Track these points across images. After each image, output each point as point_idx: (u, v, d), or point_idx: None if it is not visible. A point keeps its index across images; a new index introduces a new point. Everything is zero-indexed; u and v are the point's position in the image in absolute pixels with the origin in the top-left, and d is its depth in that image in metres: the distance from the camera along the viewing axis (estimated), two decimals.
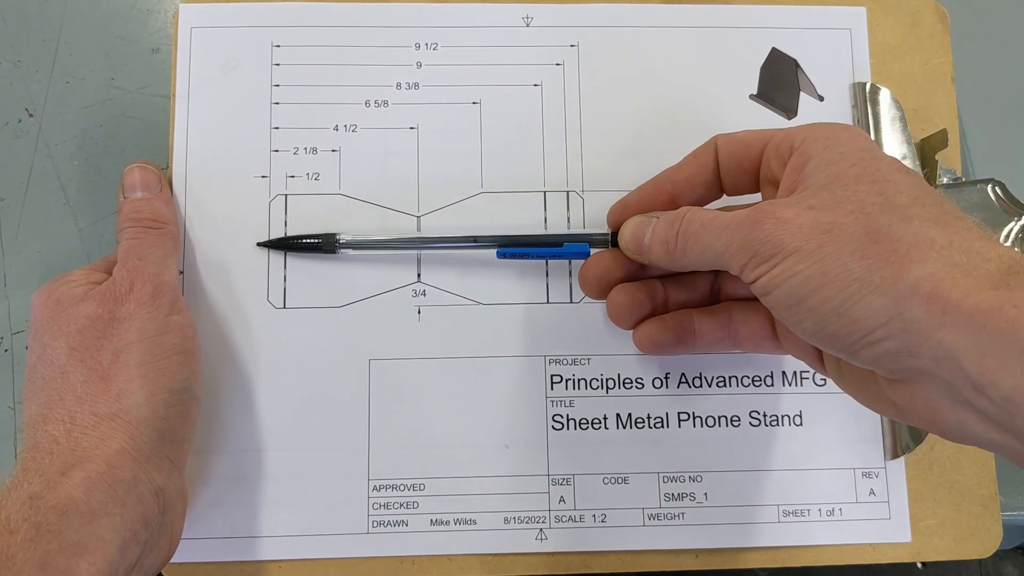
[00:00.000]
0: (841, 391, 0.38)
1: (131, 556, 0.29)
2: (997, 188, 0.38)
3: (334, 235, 0.37)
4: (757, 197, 0.34)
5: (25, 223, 0.40)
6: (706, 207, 0.33)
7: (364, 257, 0.38)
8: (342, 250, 0.37)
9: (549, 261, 0.39)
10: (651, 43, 0.41)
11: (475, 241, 0.36)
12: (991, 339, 0.22)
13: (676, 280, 0.36)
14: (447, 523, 0.37)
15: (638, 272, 0.36)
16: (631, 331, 0.36)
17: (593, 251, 0.36)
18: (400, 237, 0.37)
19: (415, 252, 0.38)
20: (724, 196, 0.34)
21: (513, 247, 0.36)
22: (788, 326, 0.28)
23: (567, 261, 0.39)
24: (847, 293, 0.25)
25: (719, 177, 0.33)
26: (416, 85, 0.40)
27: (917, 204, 0.26)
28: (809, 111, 0.40)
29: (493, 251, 0.37)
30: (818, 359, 0.31)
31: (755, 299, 0.29)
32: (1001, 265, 0.24)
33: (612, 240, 0.35)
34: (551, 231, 0.38)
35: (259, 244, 0.38)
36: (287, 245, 0.38)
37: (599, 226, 0.38)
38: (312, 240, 0.37)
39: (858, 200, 0.26)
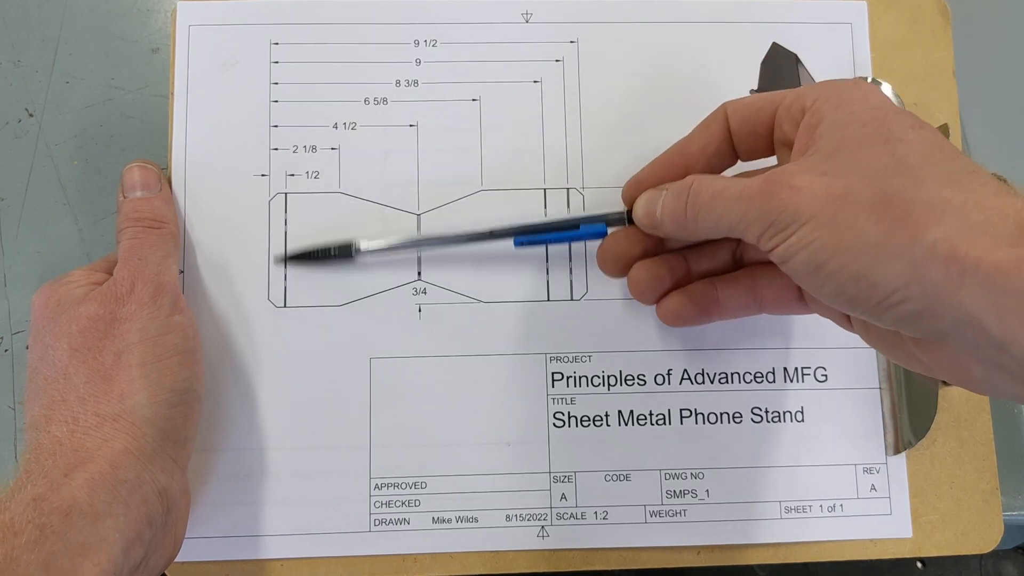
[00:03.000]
0: (843, 387, 0.38)
1: (135, 556, 0.30)
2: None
3: (350, 244, 0.37)
4: (773, 160, 0.33)
5: (25, 223, 0.40)
6: (720, 174, 0.32)
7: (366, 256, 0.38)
8: (360, 257, 0.37)
9: (550, 253, 0.39)
10: (651, 39, 0.41)
11: (491, 235, 0.36)
12: (1011, 298, 0.22)
13: (698, 249, 0.36)
14: (449, 521, 0.37)
15: (657, 247, 0.36)
16: (654, 307, 0.36)
17: (610, 230, 0.36)
18: (415, 238, 0.37)
19: (430, 251, 0.38)
20: (739, 162, 0.34)
21: (530, 235, 0.36)
22: (809, 292, 0.28)
23: (567, 256, 0.39)
24: (864, 259, 0.25)
25: (731, 144, 0.33)
26: (415, 82, 0.40)
27: (930, 163, 0.25)
28: None
29: (508, 242, 0.36)
30: (845, 318, 0.31)
31: None
32: (1019, 220, 0.23)
33: (628, 217, 0.35)
34: (565, 215, 0.38)
35: (277, 260, 0.38)
36: (304, 257, 0.38)
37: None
38: (330, 250, 0.37)
39: (869, 163, 0.26)
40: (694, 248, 0.36)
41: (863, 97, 0.28)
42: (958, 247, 0.23)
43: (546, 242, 0.37)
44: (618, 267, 0.36)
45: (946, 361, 0.26)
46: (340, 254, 0.37)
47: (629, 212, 0.35)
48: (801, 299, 0.33)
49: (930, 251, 0.24)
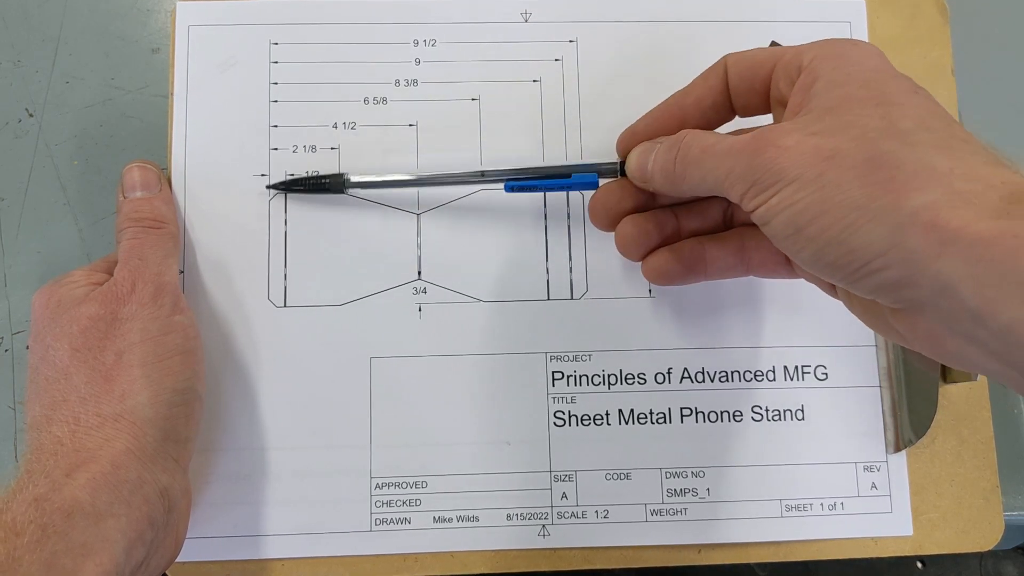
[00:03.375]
0: (843, 385, 0.38)
1: (137, 556, 0.30)
2: None
3: (342, 175, 0.37)
4: (770, 118, 0.33)
5: (25, 223, 0.40)
6: (716, 130, 0.32)
7: (365, 254, 0.38)
8: (351, 190, 0.38)
9: (550, 252, 0.39)
10: (650, 37, 0.41)
11: (483, 176, 0.36)
12: (990, 270, 0.22)
13: (688, 208, 0.35)
14: (449, 520, 0.37)
15: (648, 202, 0.35)
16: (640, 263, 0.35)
17: (602, 182, 0.35)
18: (407, 178, 0.37)
19: (423, 189, 0.39)
20: (737, 118, 0.33)
21: (521, 180, 0.36)
22: (789, 255, 0.28)
23: (568, 255, 0.39)
24: (846, 222, 0.24)
25: (729, 99, 0.32)
26: (415, 82, 0.40)
27: (923, 128, 0.25)
28: None
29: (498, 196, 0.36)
30: (830, 284, 0.30)
31: None
32: (1004, 192, 0.23)
33: (621, 169, 0.35)
34: (558, 163, 0.37)
35: (268, 187, 0.38)
36: (296, 185, 0.38)
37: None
38: (321, 180, 0.38)
39: (862, 125, 0.25)
40: (685, 206, 0.35)
41: (862, 58, 0.28)
42: (940, 215, 0.23)
43: (537, 188, 0.36)
44: (608, 220, 0.35)
45: (921, 333, 0.25)
46: (332, 186, 0.37)
47: (622, 164, 0.35)
48: (788, 264, 0.33)
49: (912, 217, 0.23)
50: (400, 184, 0.37)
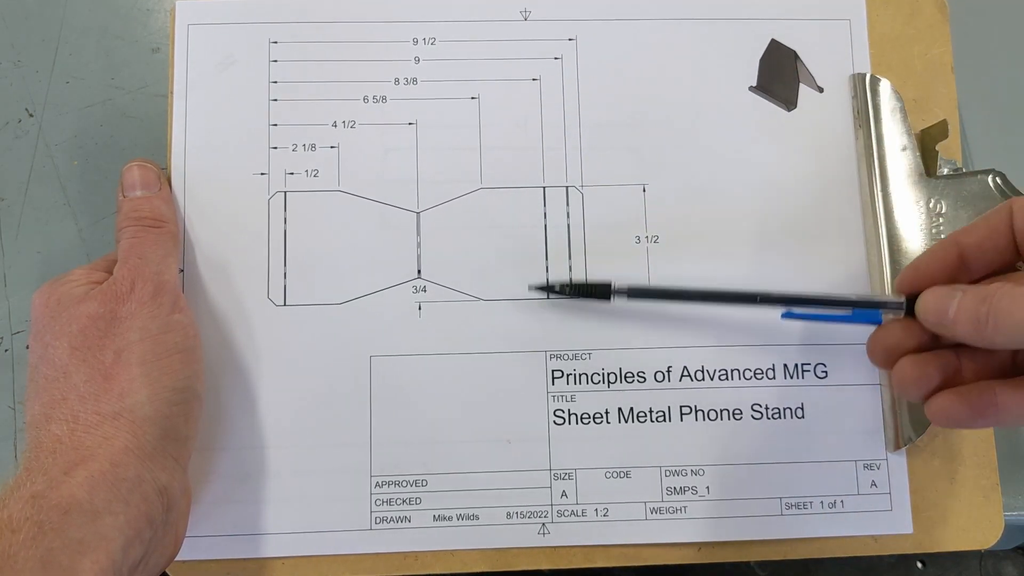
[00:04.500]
0: (843, 383, 0.38)
1: (135, 555, 0.30)
2: (998, 178, 0.38)
3: (608, 284, 0.37)
4: None
5: (25, 223, 0.40)
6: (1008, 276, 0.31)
7: (365, 252, 0.38)
8: (616, 297, 0.37)
9: (550, 251, 0.39)
10: (650, 35, 0.41)
11: (758, 299, 0.35)
12: None
13: (973, 349, 0.33)
14: (450, 518, 0.37)
15: (930, 342, 0.33)
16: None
17: (884, 317, 0.34)
18: (676, 288, 0.37)
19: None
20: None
21: (800, 311, 0.35)
22: None
23: (567, 253, 0.39)
24: None
25: (1014, 242, 0.31)
26: (414, 80, 0.40)
27: None
28: (809, 103, 0.40)
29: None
30: None
31: None
32: None
33: (907, 307, 0.33)
34: (840, 294, 0.36)
35: (532, 288, 0.38)
36: (561, 291, 0.38)
37: (601, 222, 0.39)
38: (588, 287, 0.37)
39: None
40: (970, 347, 0.33)
41: None
42: None
43: (815, 319, 0.35)
44: (888, 359, 0.34)
45: None
46: (599, 293, 0.37)
47: (908, 302, 0.33)
48: None
49: None
50: (670, 296, 0.37)
